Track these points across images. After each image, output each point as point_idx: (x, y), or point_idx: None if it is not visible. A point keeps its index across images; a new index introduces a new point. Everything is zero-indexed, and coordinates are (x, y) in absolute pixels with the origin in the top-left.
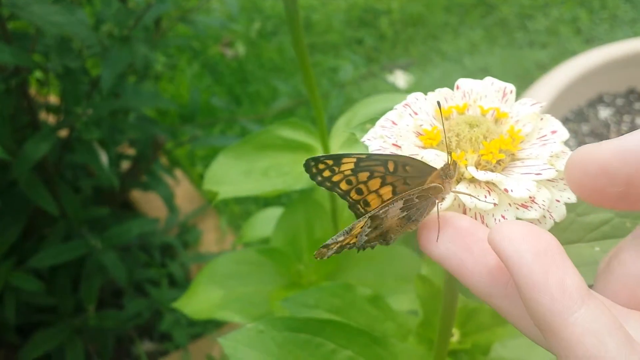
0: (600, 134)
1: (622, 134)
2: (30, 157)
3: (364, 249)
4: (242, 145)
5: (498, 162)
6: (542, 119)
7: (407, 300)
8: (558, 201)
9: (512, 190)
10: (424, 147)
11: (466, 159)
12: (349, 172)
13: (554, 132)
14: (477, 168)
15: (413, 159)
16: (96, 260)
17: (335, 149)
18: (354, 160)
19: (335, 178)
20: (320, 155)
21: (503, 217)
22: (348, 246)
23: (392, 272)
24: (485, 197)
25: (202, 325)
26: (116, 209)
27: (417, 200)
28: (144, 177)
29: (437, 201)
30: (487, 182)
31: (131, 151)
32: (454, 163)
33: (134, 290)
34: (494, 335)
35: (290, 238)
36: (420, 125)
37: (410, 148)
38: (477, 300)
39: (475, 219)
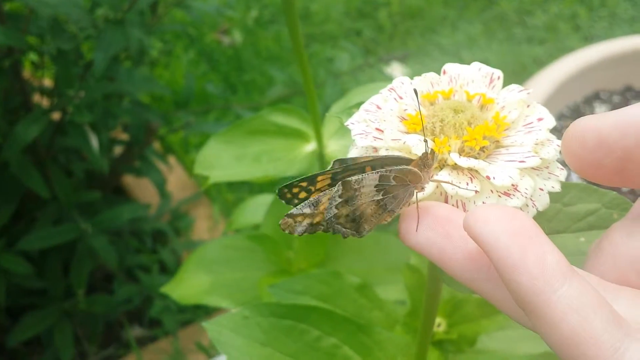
0: None
1: None
2: (22, 139)
3: (333, 231)
4: (233, 129)
5: (482, 148)
6: (528, 105)
7: (395, 290)
8: (542, 190)
9: (494, 178)
10: (407, 132)
11: (449, 145)
12: (326, 189)
13: (540, 119)
14: (460, 155)
15: (390, 156)
16: (87, 245)
17: (328, 135)
18: (329, 175)
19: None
20: (292, 180)
21: (483, 203)
22: (320, 227)
23: (382, 262)
24: (467, 184)
25: (192, 311)
26: (108, 194)
27: (393, 182)
28: (136, 162)
29: (415, 191)
30: (469, 169)
31: (124, 136)
32: (432, 152)
33: (125, 275)
34: (480, 327)
35: None
36: (405, 110)
37: (393, 133)
38: (461, 289)
39: (457, 206)
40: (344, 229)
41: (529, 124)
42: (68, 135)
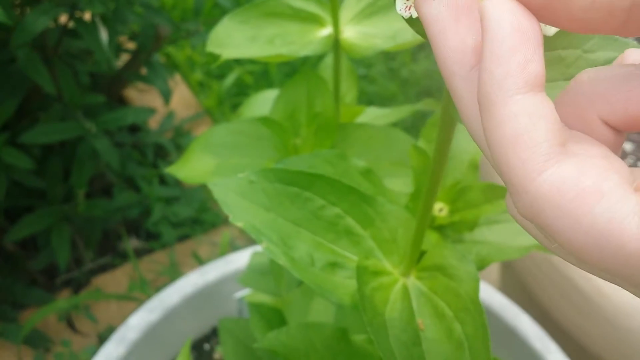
0: None
1: None
2: (31, 29)
3: None
4: (249, 10)
5: None
6: None
7: (401, 183)
8: None
9: None
10: None
11: None
12: None
13: None
14: None
15: None
16: (89, 145)
17: (345, 21)
18: None
19: None
20: None
21: None
22: None
23: (389, 155)
24: None
25: (190, 226)
26: (112, 102)
27: None
28: (143, 69)
29: None
30: None
31: (132, 45)
32: None
33: (125, 184)
34: (481, 212)
35: (289, 112)
36: None
37: None
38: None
39: None
40: None
41: None
42: (77, 35)
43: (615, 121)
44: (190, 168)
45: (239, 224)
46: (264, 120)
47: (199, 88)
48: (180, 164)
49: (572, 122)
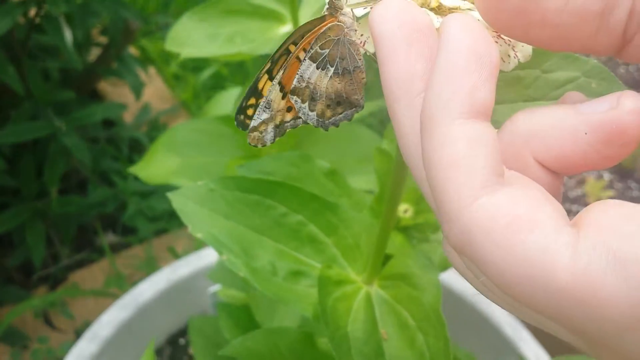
0: None
1: None
2: None
3: (332, 124)
4: (208, 8)
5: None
6: None
7: (365, 180)
8: None
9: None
10: None
11: None
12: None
13: None
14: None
15: (301, 27)
16: (60, 143)
17: (304, 18)
18: (265, 76)
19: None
20: (239, 106)
21: None
22: (286, 125)
23: (353, 152)
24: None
25: (166, 220)
26: (84, 97)
27: (326, 51)
28: (114, 64)
29: (353, 39)
30: (450, 9)
31: (103, 39)
32: None
33: (100, 180)
34: None
35: None
36: None
37: None
38: None
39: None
40: (339, 116)
41: None
42: (44, 32)
43: (551, 163)
44: (153, 167)
45: (198, 235)
46: (226, 119)
47: (174, 81)
48: (143, 163)
49: (507, 161)
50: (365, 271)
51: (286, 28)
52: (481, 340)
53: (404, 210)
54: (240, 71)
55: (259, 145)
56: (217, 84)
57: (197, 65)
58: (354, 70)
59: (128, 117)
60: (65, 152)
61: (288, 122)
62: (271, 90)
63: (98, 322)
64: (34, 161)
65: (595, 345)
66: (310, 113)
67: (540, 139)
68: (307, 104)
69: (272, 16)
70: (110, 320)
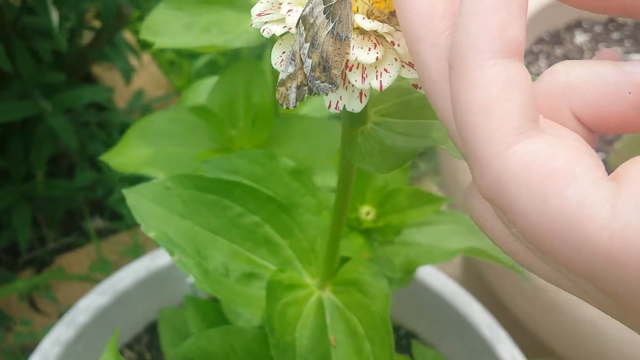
0: (573, 59)
1: None
2: None
3: (315, 89)
4: None
5: (392, 13)
6: None
7: (335, 177)
8: None
9: (398, 45)
10: None
11: (357, 6)
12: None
13: None
14: (369, 17)
15: None
16: (46, 125)
17: None
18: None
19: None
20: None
21: (386, 70)
22: (304, 88)
23: (325, 148)
24: (370, 49)
25: None
26: (75, 80)
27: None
28: (105, 48)
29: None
30: (374, 33)
31: (97, 23)
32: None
33: (89, 165)
34: (407, 217)
35: (226, 102)
36: None
37: None
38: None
39: (362, 73)
40: (321, 83)
41: None
42: (36, 13)
43: (588, 119)
44: (125, 156)
45: (151, 234)
46: (198, 110)
47: (169, 67)
48: (115, 151)
49: (544, 112)
50: (319, 275)
51: None
52: (460, 341)
53: (366, 212)
54: (236, 60)
55: (284, 105)
56: (213, 72)
57: (193, 52)
58: (344, 39)
59: (121, 102)
60: (52, 134)
61: (305, 85)
62: (296, 40)
63: (75, 308)
64: (23, 143)
65: (624, 307)
66: (308, 59)
67: (579, 93)
68: (308, 44)
69: (250, 7)
70: (87, 306)
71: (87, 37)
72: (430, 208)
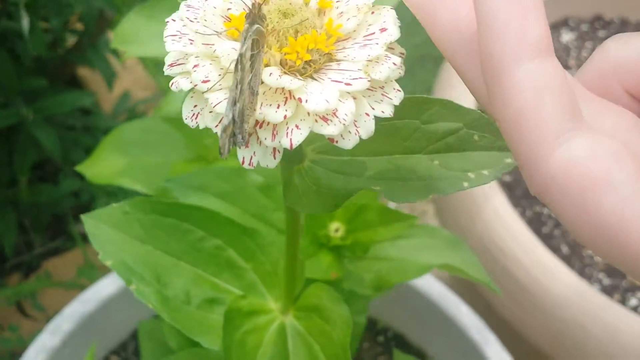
0: (559, 58)
1: (582, 61)
2: None
3: (242, 140)
4: (158, 4)
5: (308, 63)
6: (373, 12)
7: None
8: (368, 115)
9: (306, 101)
10: (226, 37)
11: (268, 58)
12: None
13: (383, 30)
14: (283, 68)
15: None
16: (28, 132)
17: None
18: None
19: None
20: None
21: (297, 127)
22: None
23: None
24: (278, 106)
25: None
26: (59, 85)
27: (255, 50)
28: (88, 52)
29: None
30: (283, 89)
31: (80, 26)
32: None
33: (73, 172)
34: (376, 234)
35: None
36: (229, 9)
37: (205, 37)
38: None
39: (272, 130)
40: (238, 135)
41: (370, 35)
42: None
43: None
44: (99, 167)
45: (108, 263)
46: (172, 120)
47: (155, 69)
48: (90, 162)
49: (595, 90)
50: (282, 299)
51: None
52: (447, 343)
53: (335, 229)
54: None
55: (221, 155)
56: None
57: None
58: (255, 94)
59: (108, 105)
60: (35, 142)
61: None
62: (233, 82)
63: (61, 315)
64: (7, 148)
65: None
66: (237, 104)
67: (630, 70)
68: (239, 89)
69: None
70: (72, 313)
71: (71, 40)
72: (398, 226)
